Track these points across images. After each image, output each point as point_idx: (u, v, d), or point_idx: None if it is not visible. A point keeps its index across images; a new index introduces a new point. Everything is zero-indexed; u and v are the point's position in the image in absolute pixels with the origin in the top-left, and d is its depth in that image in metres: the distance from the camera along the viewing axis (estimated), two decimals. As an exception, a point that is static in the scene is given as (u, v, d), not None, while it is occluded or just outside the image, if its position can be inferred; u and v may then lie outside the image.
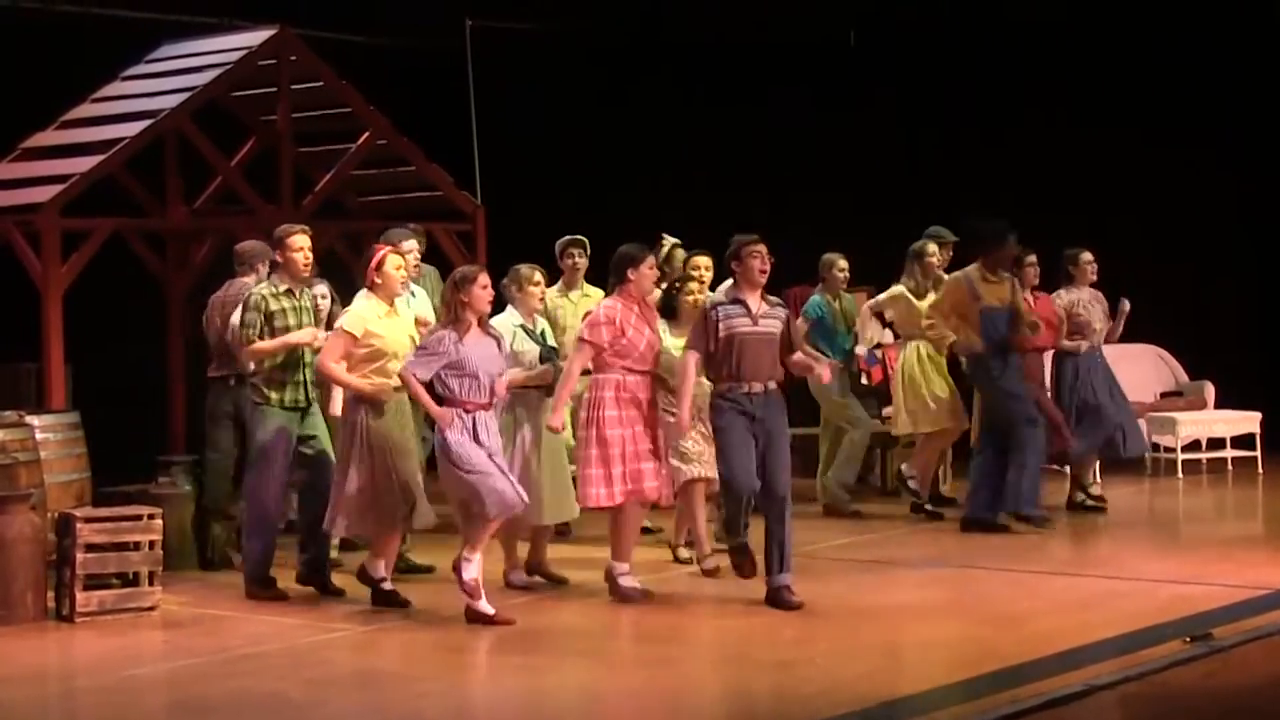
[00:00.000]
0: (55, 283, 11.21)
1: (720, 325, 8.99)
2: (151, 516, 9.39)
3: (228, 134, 12.86)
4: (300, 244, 9.57)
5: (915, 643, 8.49)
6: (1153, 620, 8.58)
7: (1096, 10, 15.03)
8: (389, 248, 9.46)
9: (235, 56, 12.41)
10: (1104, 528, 11.89)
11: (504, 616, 8.76)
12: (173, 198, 12.78)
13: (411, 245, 10.25)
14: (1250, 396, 14.22)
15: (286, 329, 9.48)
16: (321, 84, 12.82)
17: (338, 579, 9.71)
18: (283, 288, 9.55)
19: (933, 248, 12.14)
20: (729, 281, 9.65)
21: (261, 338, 9.44)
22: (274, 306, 9.48)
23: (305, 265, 9.57)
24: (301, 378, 9.53)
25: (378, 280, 9.22)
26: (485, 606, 8.75)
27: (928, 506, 12.01)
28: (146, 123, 11.90)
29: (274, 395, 9.49)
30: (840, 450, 12.22)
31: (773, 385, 9.09)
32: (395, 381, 9.07)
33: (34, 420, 9.65)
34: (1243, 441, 14.13)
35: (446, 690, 7.84)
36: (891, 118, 15.73)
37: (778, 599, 9.01)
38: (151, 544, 9.31)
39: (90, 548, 9.15)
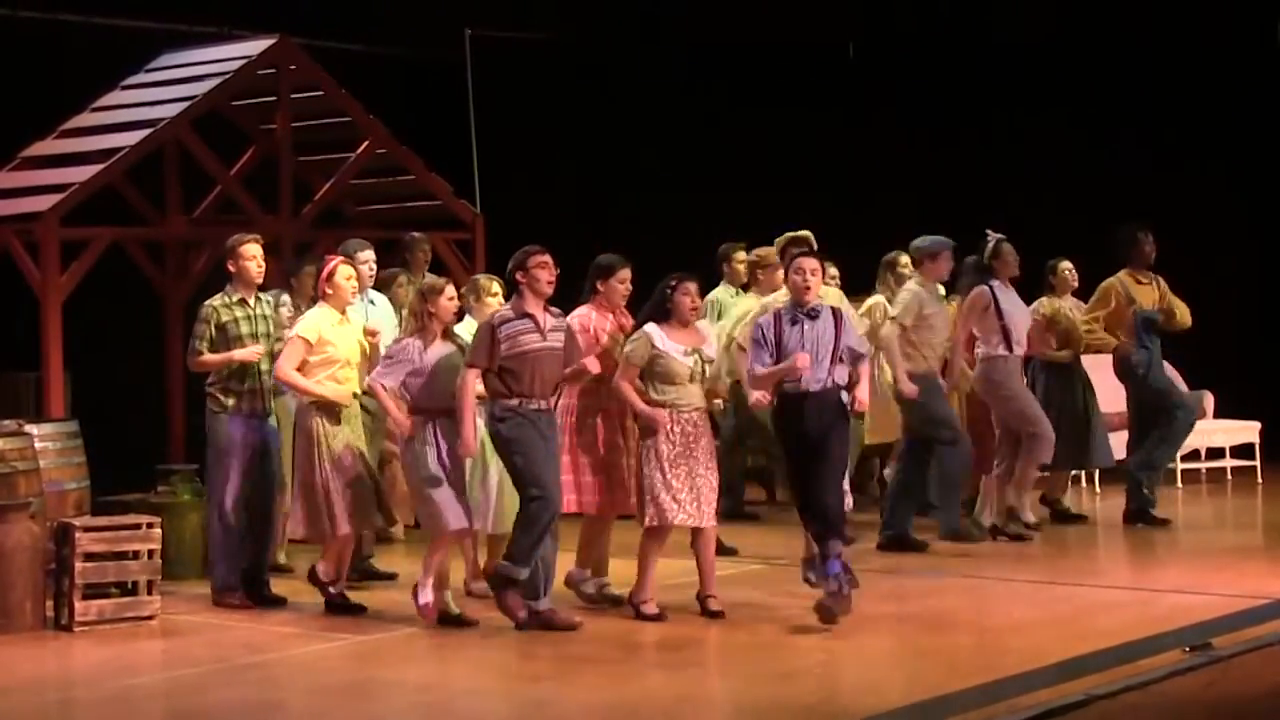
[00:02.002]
0: (54, 291, 11.21)
1: (506, 343, 8.66)
2: (150, 525, 9.39)
3: (227, 143, 12.85)
4: (252, 253, 9.69)
5: (915, 652, 8.47)
6: (1152, 630, 8.58)
7: (1095, 20, 15.04)
8: (340, 258, 9.63)
9: (235, 66, 12.41)
10: (1103, 537, 11.88)
11: (470, 618, 8.99)
12: (172, 207, 12.78)
13: (368, 255, 10.33)
14: (1249, 406, 14.21)
15: (239, 339, 9.58)
16: (321, 93, 12.83)
17: (285, 585, 9.85)
18: (235, 297, 9.67)
19: (905, 258, 12.22)
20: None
21: (213, 349, 9.56)
22: (225, 317, 9.61)
23: (258, 274, 9.70)
24: (257, 386, 9.62)
25: (329, 290, 9.41)
26: (455, 611, 9.02)
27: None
28: (146, 132, 11.90)
29: (230, 403, 9.59)
30: None
31: (551, 403, 8.86)
32: (349, 388, 9.32)
33: (33, 429, 9.63)
34: (1242, 451, 14.13)
35: (446, 699, 7.83)
36: (890, 127, 15.74)
37: (551, 621, 8.82)
38: (150, 553, 9.30)
39: (89, 557, 9.15)
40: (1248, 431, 14.12)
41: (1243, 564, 10.61)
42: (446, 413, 8.90)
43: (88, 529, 9.25)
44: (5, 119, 12.23)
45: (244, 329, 9.60)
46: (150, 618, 9.23)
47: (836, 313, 9.06)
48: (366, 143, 12.87)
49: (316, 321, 9.36)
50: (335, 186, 12.81)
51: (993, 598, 9.69)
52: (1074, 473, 13.41)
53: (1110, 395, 12.18)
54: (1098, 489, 13.68)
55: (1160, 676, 7.78)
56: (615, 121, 15.10)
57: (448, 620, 8.98)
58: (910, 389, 10.97)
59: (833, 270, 12.26)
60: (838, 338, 8.96)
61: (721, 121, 15.42)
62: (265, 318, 9.73)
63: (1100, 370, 12.29)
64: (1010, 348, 11.26)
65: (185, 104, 12.10)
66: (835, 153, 15.41)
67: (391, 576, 10.19)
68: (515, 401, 8.70)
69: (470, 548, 9.73)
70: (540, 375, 8.73)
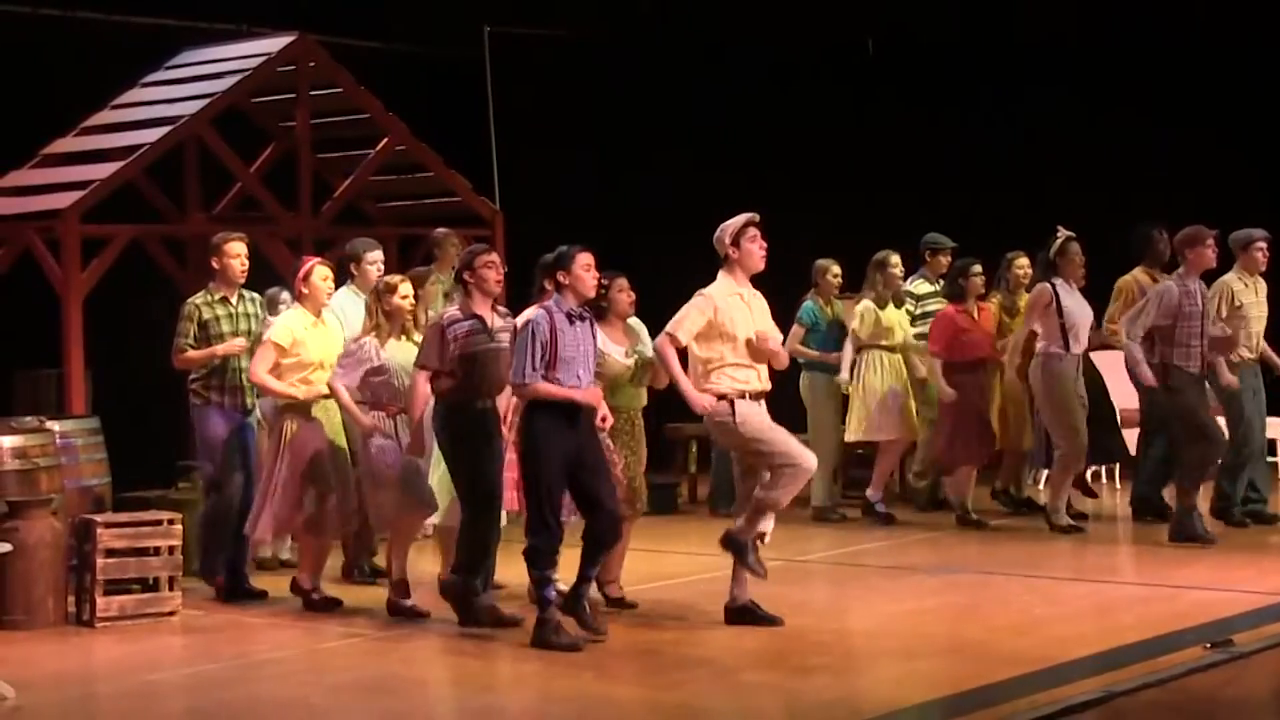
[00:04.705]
0: (75, 288, 11.25)
1: (456, 343, 8.61)
2: (171, 522, 9.44)
3: (247, 140, 12.89)
4: (236, 251, 9.82)
5: (933, 649, 8.46)
6: (1173, 626, 8.56)
7: (1113, 17, 15.02)
8: (317, 260, 9.68)
9: (255, 63, 12.44)
10: (1123, 533, 11.86)
11: (422, 609, 9.10)
12: (192, 204, 12.83)
13: (376, 256, 10.28)
14: (1270, 402, 14.14)
15: (220, 336, 9.73)
16: (340, 90, 12.85)
17: (267, 582, 9.94)
18: (217, 295, 9.81)
19: (895, 258, 12.26)
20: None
21: (195, 346, 9.71)
22: (207, 315, 9.76)
23: (241, 272, 9.83)
24: (239, 383, 9.77)
25: (304, 291, 9.49)
26: (408, 603, 9.13)
27: (879, 509, 12.17)
28: (166, 129, 11.94)
29: (214, 397, 9.77)
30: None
31: (497, 402, 8.77)
32: (323, 390, 9.39)
33: (55, 426, 9.69)
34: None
35: (466, 696, 7.85)
36: (908, 124, 15.71)
37: (497, 617, 8.81)
38: (171, 549, 9.34)
39: (110, 553, 9.19)
40: (1270, 428, 14.03)
41: (1264, 560, 10.59)
42: (404, 410, 9.05)
43: (109, 525, 9.29)
44: (26, 116, 12.28)
45: (225, 326, 9.76)
46: (171, 613, 9.27)
47: (592, 320, 8.63)
48: (386, 140, 12.90)
49: (289, 325, 9.43)
50: (355, 183, 12.83)
51: (1011, 594, 9.68)
52: (1095, 468, 13.42)
53: (1124, 391, 12.17)
54: (1118, 485, 13.65)
55: (1181, 673, 7.76)
56: (634, 118, 15.11)
57: (400, 612, 9.11)
58: (1230, 379, 11.30)
59: (835, 269, 12.34)
60: (594, 345, 8.62)
61: (740, 118, 15.42)
62: (247, 315, 9.85)
63: (1114, 368, 12.29)
64: (1068, 346, 11.29)
65: (205, 101, 12.14)
66: (853, 150, 15.39)
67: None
68: (466, 401, 8.67)
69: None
70: (487, 376, 8.70)
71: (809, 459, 8.75)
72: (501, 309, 8.92)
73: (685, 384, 8.70)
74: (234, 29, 13.35)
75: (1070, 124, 15.19)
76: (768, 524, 8.78)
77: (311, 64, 12.65)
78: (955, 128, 15.58)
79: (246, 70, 12.39)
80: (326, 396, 9.39)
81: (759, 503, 8.71)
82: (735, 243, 8.74)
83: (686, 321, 8.69)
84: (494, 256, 8.83)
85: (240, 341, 9.70)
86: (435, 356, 8.70)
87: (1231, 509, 11.68)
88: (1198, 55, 14.72)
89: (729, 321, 8.66)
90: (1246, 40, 14.59)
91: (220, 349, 9.69)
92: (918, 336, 12.35)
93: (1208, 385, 11.32)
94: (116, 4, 13.04)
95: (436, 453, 9.19)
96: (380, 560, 10.37)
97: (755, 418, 8.69)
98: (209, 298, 9.81)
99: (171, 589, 9.31)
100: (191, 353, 9.72)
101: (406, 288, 9.28)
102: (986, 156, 15.36)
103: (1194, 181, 14.19)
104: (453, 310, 8.84)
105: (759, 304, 8.85)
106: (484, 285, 8.73)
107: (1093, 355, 12.02)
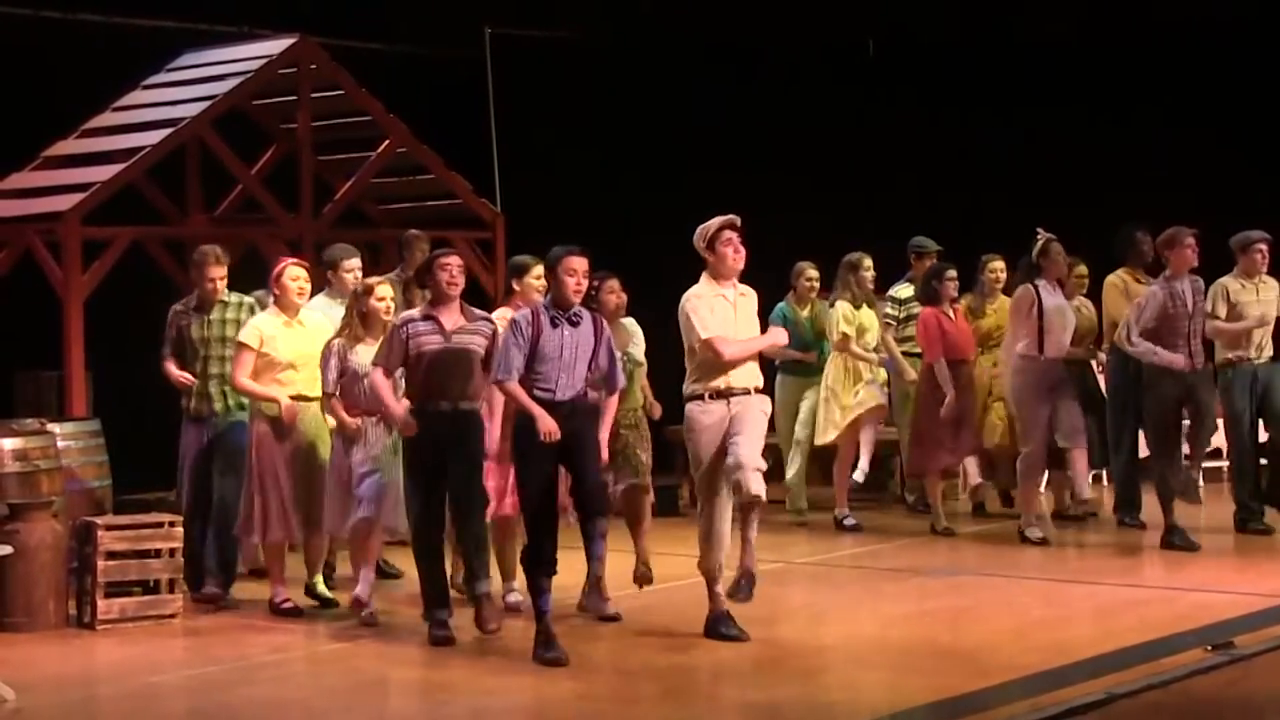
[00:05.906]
0: (76, 291, 11.26)
1: (409, 343, 8.59)
2: (172, 524, 9.44)
3: (248, 142, 12.89)
4: (210, 274, 9.86)
5: (935, 650, 8.47)
6: (1174, 628, 8.57)
7: (1113, 17, 15.03)
8: (291, 260, 9.74)
9: (255, 65, 12.44)
10: (1124, 536, 11.85)
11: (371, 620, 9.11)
12: (193, 206, 12.84)
13: (354, 263, 10.23)
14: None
15: (190, 343, 9.88)
16: (341, 92, 12.85)
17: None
18: (193, 304, 9.96)
19: (868, 260, 12.21)
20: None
21: (175, 352, 9.91)
22: (182, 322, 9.92)
23: (212, 292, 9.88)
24: (205, 390, 9.83)
25: (276, 292, 9.55)
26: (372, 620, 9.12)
27: (847, 522, 12.07)
28: (167, 131, 11.94)
29: (183, 403, 9.92)
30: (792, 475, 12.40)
31: (463, 406, 8.65)
32: (292, 390, 9.41)
33: (55, 428, 9.69)
34: (1265, 449, 14.04)
35: (468, 699, 7.84)
36: (907, 125, 15.73)
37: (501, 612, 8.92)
38: (172, 551, 9.35)
39: (111, 555, 9.19)
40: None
41: (1265, 562, 10.59)
42: (374, 413, 9.06)
43: (110, 527, 9.30)
44: (27, 118, 12.27)
45: (194, 334, 9.88)
46: (172, 616, 9.27)
47: (599, 322, 8.52)
48: (387, 141, 12.90)
49: (258, 325, 9.48)
50: (356, 185, 12.83)
51: (1013, 596, 9.69)
52: (1095, 470, 13.42)
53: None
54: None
55: (1182, 675, 7.77)
56: (634, 118, 15.10)
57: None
58: None
59: (811, 272, 12.29)
60: (596, 347, 8.44)
61: (740, 118, 15.41)
62: (223, 322, 9.88)
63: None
64: (1042, 349, 11.23)
65: (206, 103, 12.14)
66: (853, 151, 15.39)
67: (397, 575, 10.23)
68: (418, 404, 8.63)
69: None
70: (442, 377, 8.62)
71: (721, 513, 8.59)
72: (478, 312, 8.88)
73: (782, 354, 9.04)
74: (235, 31, 13.34)
75: (1070, 124, 15.20)
76: (751, 532, 8.61)
77: (312, 66, 12.65)
78: (955, 128, 15.59)
79: (248, 72, 12.39)
80: (302, 398, 9.41)
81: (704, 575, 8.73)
82: (710, 246, 8.69)
83: (705, 320, 8.57)
84: (451, 259, 8.78)
85: (186, 378, 9.79)
86: (385, 355, 8.72)
87: (1251, 516, 11.65)
88: (1198, 55, 14.74)
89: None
90: (1246, 40, 14.61)
91: (173, 374, 9.83)
92: (908, 338, 12.30)
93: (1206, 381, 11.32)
94: (117, 6, 13.03)
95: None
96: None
97: (702, 430, 8.55)
98: (186, 306, 9.97)
99: (172, 591, 9.32)
100: (167, 362, 9.92)
101: (384, 290, 9.28)
102: (986, 156, 15.37)
103: (1194, 181, 14.21)
104: (412, 310, 8.87)
105: (746, 303, 8.77)
106: (437, 288, 8.72)
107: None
